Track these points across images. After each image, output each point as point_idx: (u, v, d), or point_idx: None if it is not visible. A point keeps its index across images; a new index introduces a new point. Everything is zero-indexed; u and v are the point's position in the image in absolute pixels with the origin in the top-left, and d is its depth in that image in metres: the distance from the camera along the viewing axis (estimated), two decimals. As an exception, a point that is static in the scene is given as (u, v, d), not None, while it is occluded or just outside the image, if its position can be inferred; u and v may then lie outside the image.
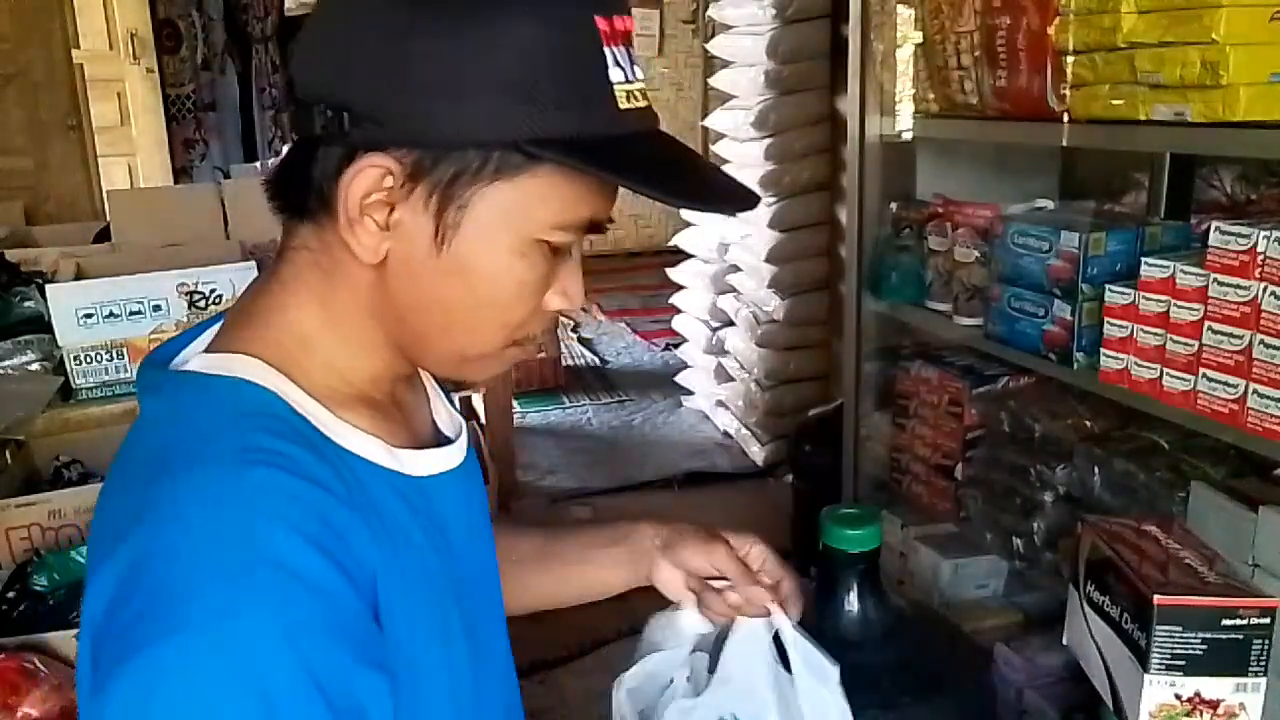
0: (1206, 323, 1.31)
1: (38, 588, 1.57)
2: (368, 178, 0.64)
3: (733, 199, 0.70)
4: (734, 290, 3.65)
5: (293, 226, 0.70)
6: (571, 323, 5.36)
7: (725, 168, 3.55)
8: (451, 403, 0.87)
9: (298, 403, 0.67)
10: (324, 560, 0.58)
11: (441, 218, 0.64)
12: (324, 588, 0.58)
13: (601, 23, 0.63)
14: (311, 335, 0.70)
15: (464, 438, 0.80)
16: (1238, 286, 1.26)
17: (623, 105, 0.65)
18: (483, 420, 3.18)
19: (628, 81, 0.65)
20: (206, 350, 0.70)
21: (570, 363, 4.67)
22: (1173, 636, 0.83)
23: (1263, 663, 0.84)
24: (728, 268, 3.68)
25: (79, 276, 2.17)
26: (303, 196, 0.68)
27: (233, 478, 0.59)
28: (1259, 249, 1.23)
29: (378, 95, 0.63)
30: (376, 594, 0.62)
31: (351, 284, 0.69)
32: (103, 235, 3.09)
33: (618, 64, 0.64)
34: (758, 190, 3.32)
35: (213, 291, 1.97)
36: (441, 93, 0.62)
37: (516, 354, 0.73)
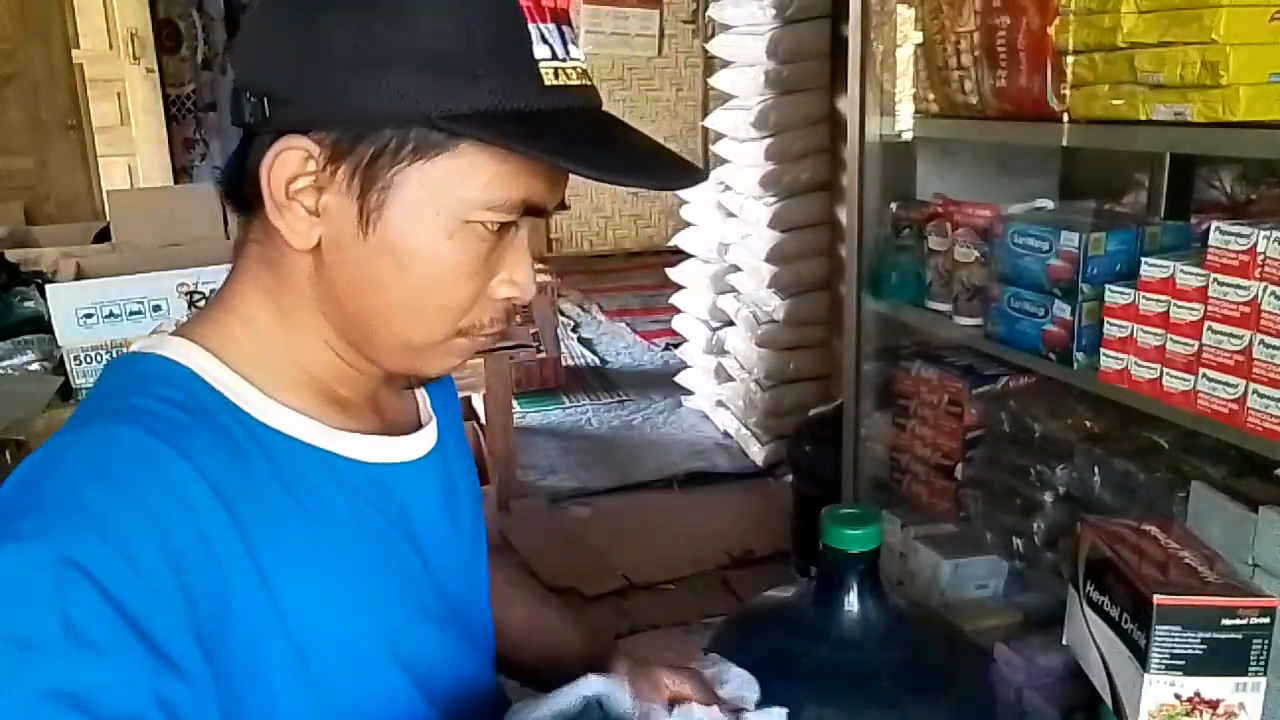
0: (1206, 323, 1.31)
1: (38, 588, 1.57)
2: (288, 161, 0.64)
3: (669, 174, 0.68)
4: (734, 290, 3.65)
5: (245, 222, 0.71)
6: (571, 323, 5.36)
7: (725, 168, 3.55)
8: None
9: (217, 379, 0.67)
10: (143, 525, 0.57)
11: (364, 200, 0.64)
12: (126, 550, 0.56)
13: None
14: (263, 325, 0.70)
15: (429, 429, 0.79)
16: (1238, 286, 1.26)
17: (548, 81, 0.63)
18: (483, 420, 3.18)
19: (555, 59, 0.64)
20: None
21: (570, 363, 4.67)
22: (1172, 636, 0.83)
23: (1262, 662, 0.84)
24: (728, 268, 3.68)
25: (79, 276, 2.18)
26: (244, 189, 0.68)
27: (103, 431, 0.61)
28: (1259, 249, 1.23)
29: (295, 76, 0.62)
30: (221, 567, 0.61)
31: (293, 273, 0.68)
32: (103, 235, 3.09)
33: (545, 40, 0.63)
34: (757, 190, 3.32)
35: (212, 291, 1.97)
36: (354, 69, 0.61)
37: (467, 345, 0.71)
